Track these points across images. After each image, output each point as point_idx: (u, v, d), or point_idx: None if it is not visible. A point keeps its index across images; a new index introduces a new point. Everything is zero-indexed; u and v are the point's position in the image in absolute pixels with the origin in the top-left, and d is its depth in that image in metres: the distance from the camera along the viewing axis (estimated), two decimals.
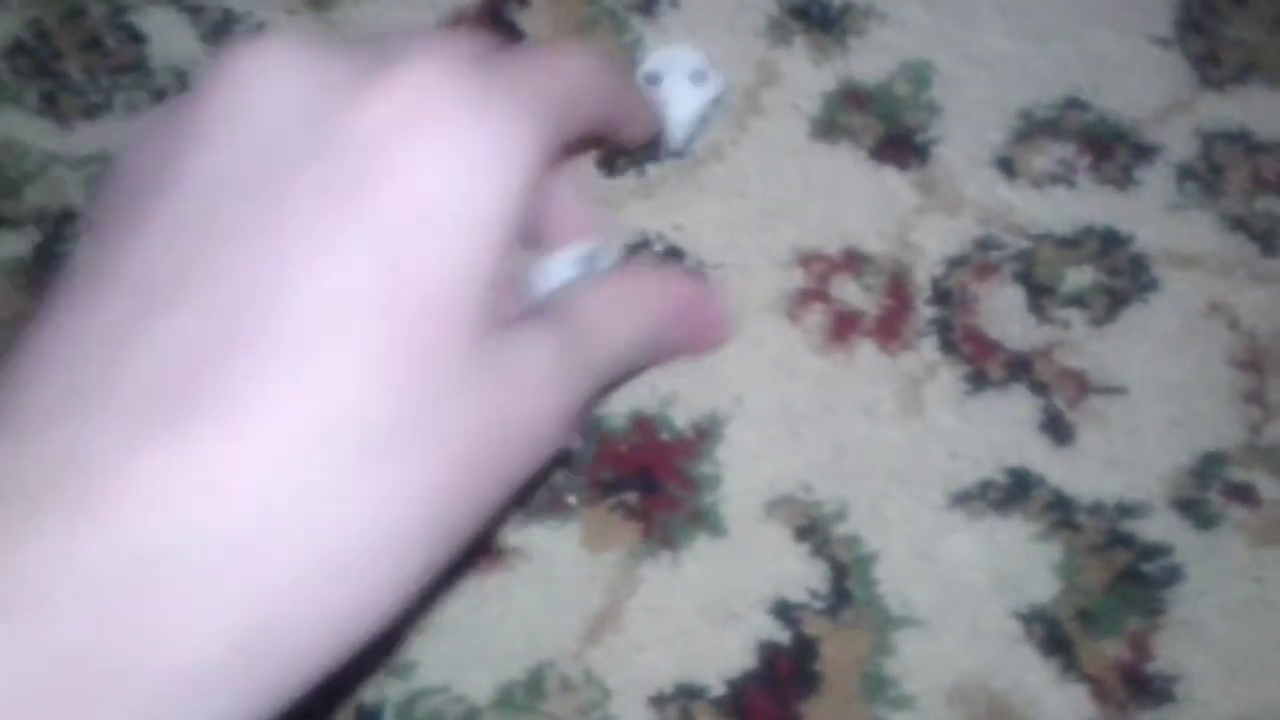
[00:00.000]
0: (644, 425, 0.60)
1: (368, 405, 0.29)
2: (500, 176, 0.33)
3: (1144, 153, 0.64)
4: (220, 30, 0.67)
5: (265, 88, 0.32)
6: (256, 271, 0.29)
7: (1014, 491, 0.58)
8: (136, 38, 0.67)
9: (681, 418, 0.60)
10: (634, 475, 0.60)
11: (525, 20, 0.68)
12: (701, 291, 0.49)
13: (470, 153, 0.32)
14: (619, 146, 0.53)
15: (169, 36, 0.67)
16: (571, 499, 0.59)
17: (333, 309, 0.29)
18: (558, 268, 0.49)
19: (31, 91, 0.66)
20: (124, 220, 0.31)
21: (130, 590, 0.28)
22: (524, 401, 0.34)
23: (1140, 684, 0.55)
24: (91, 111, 0.66)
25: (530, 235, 0.46)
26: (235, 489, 0.29)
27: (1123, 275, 0.62)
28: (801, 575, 0.57)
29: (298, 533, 0.29)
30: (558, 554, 0.58)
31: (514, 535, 0.59)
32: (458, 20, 0.68)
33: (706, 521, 0.58)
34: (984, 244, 0.63)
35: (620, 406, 0.61)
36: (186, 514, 0.28)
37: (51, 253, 0.63)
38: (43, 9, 0.68)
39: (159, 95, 0.66)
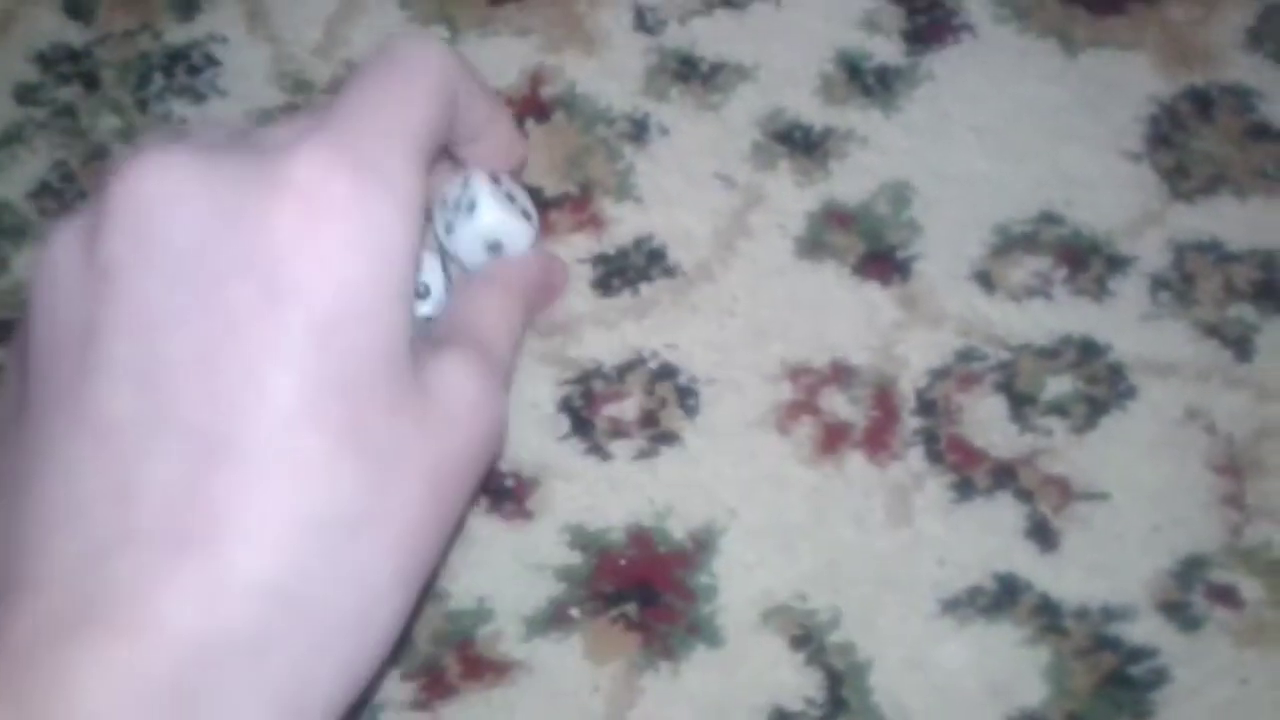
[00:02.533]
0: (642, 539, 0.62)
1: (338, 482, 0.33)
2: (399, 230, 0.37)
3: (1118, 264, 0.67)
4: None
5: (168, 213, 0.35)
6: (211, 399, 0.33)
7: (1002, 597, 0.60)
8: None
9: (678, 530, 0.62)
10: (634, 587, 0.61)
11: None
12: (548, 255, 0.55)
13: (369, 227, 0.36)
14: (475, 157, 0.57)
15: None
16: (574, 612, 0.61)
17: (287, 411, 0.33)
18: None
19: None
20: (72, 363, 0.34)
21: (182, 692, 0.31)
22: (465, 427, 0.39)
23: None
24: None
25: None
26: (249, 588, 0.32)
27: (1101, 383, 0.64)
28: (798, 684, 0.59)
29: (311, 607, 0.33)
30: (561, 667, 0.60)
31: (518, 649, 0.60)
32: None
33: (704, 632, 0.60)
34: (966, 355, 0.65)
35: (618, 521, 0.63)
36: (214, 620, 0.31)
37: None
38: (66, 150, 0.72)
39: None
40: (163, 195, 0.35)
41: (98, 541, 0.32)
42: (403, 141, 0.39)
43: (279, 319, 0.33)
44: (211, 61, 0.73)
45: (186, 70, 0.73)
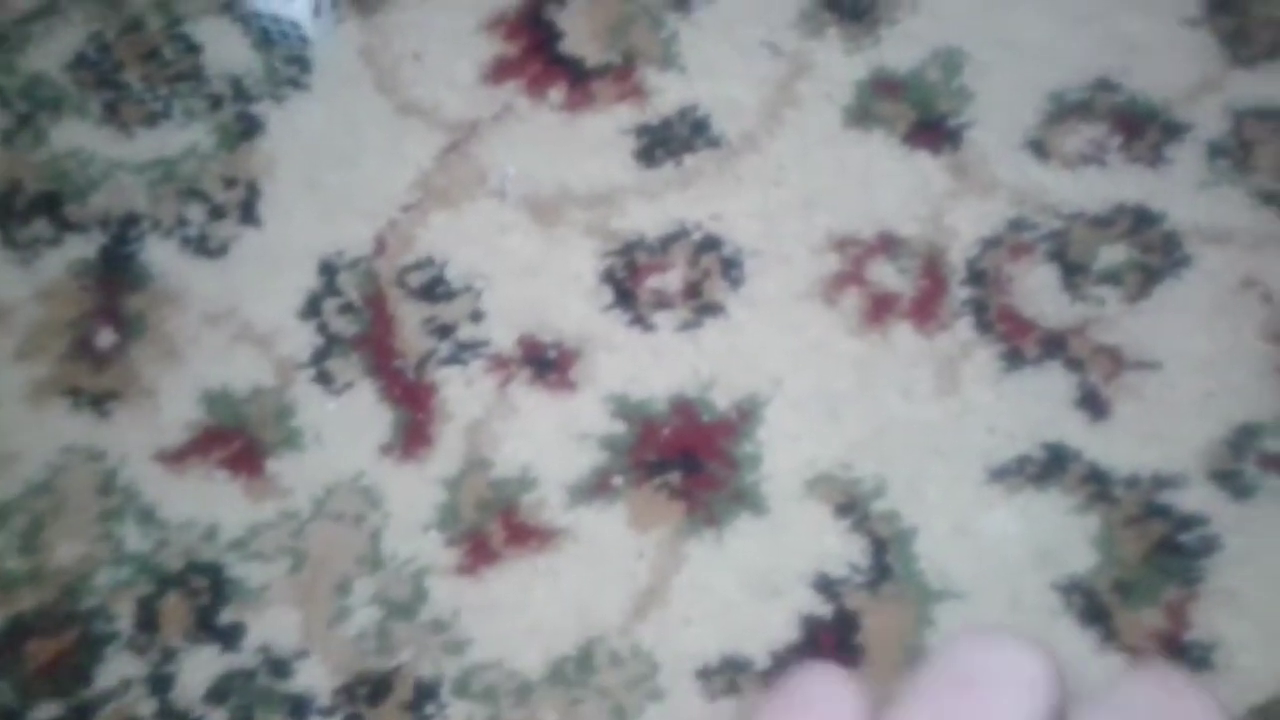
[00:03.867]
0: (685, 408, 0.62)
1: None
2: None
3: (1174, 131, 0.65)
4: (269, 38, 0.70)
5: None
6: None
7: (1051, 466, 0.59)
8: (192, 48, 0.70)
9: (722, 400, 0.62)
10: (677, 456, 0.61)
11: (563, 20, 0.70)
12: None
13: None
14: None
15: (222, 45, 0.70)
16: (617, 480, 0.61)
17: None
18: None
19: (94, 101, 0.69)
20: None
21: None
22: None
23: (1178, 652, 0.56)
24: (151, 119, 0.68)
25: None
26: None
27: (1155, 252, 0.63)
28: (842, 551, 0.59)
29: None
30: (605, 534, 0.60)
31: (562, 517, 0.60)
32: (498, 22, 0.70)
33: (748, 500, 0.60)
34: (1017, 225, 0.64)
35: (661, 391, 0.62)
36: None
37: (116, 255, 0.66)
38: (102, 22, 0.71)
39: (215, 102, 0.68)
40: None
41: None
42: None
43: None
44: None
45: None
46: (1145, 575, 0.57)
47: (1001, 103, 0.66)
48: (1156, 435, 0.59)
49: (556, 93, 0.68)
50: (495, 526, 0.60)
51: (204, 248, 0.66)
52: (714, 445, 0.61)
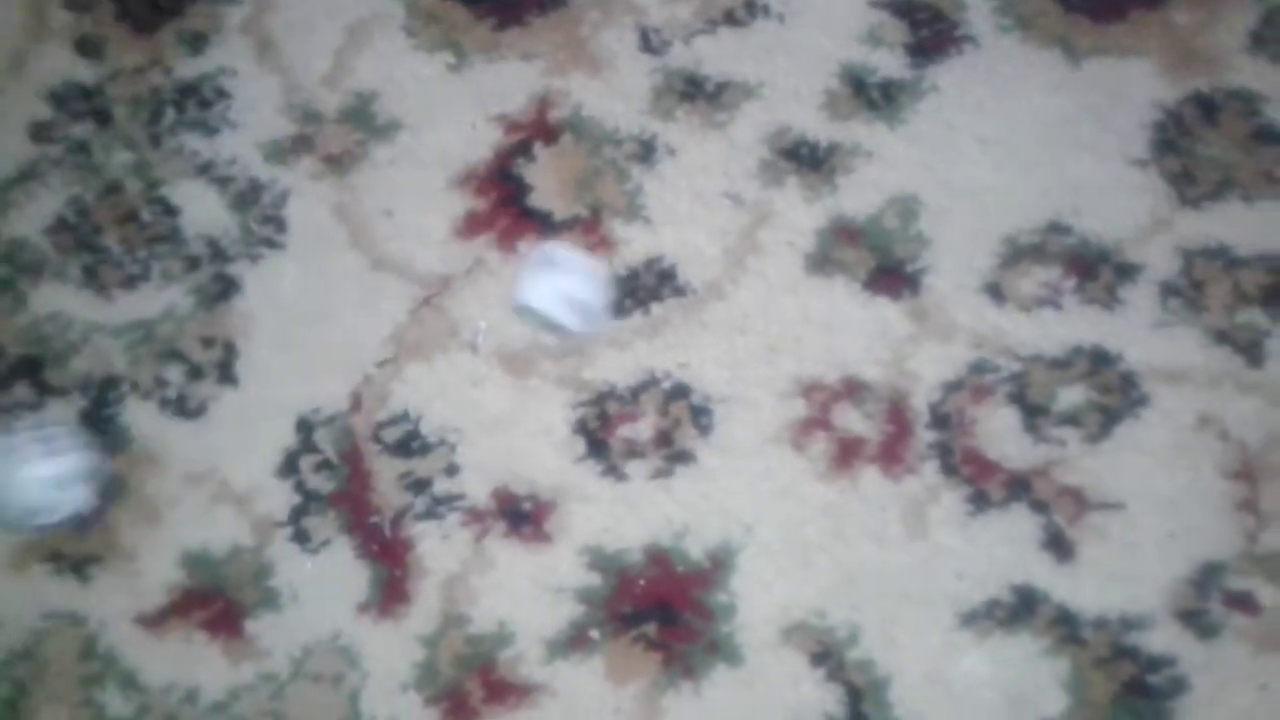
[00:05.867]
0: (660, 558, 0.63)
1: None
2: None
3: (1127, 272, 0.67)
4: (247, 199, 0.71)
5: None
6: None
7: (1020, 609, 0.60)
8: (170, 210, 0.71)
9: (695, 549, 0.63)
10: (653, 607, 0.62)
11: (531, 174, 0.72)
12: None
13: None
14: None
15: (200, 207, 0.71)
16: (595, 633, 0.62)
17: None
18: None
19: (74, 265, 0.70)
20: None
21: None
22: None
23: None
24: (130, 282, 0.70)
25: None
26: None
27: (1113, 392, 0.64)
28: (819, 700, 0.59)
29: None
30: (582, 688, 0.61)
31: (539, 671, 0.61)
32: (468, 178, 0.72)
33: (724, 651, 0.61)
34: (978, 368, 0.65)
35: (635, 541, 0.63)
36: None
37: (96, 418, 0.67)
38: (81, 185, 0.73)
39: (192, 263, 0.70)
40: None
41: None
42: None
43: None
44: (222, 95, 0.74)
45: (198, 104, 0.74)
46: (1116, 718, 0.58)
47: (957, 247, 0.68)
48: (1122, 576, 0.60)
49: (526, 245, 0.70)
50: (474, 684, 0.61)
51: (183, 408, 0.67)
52: (688, 595, 0.62)
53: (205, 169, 0.72)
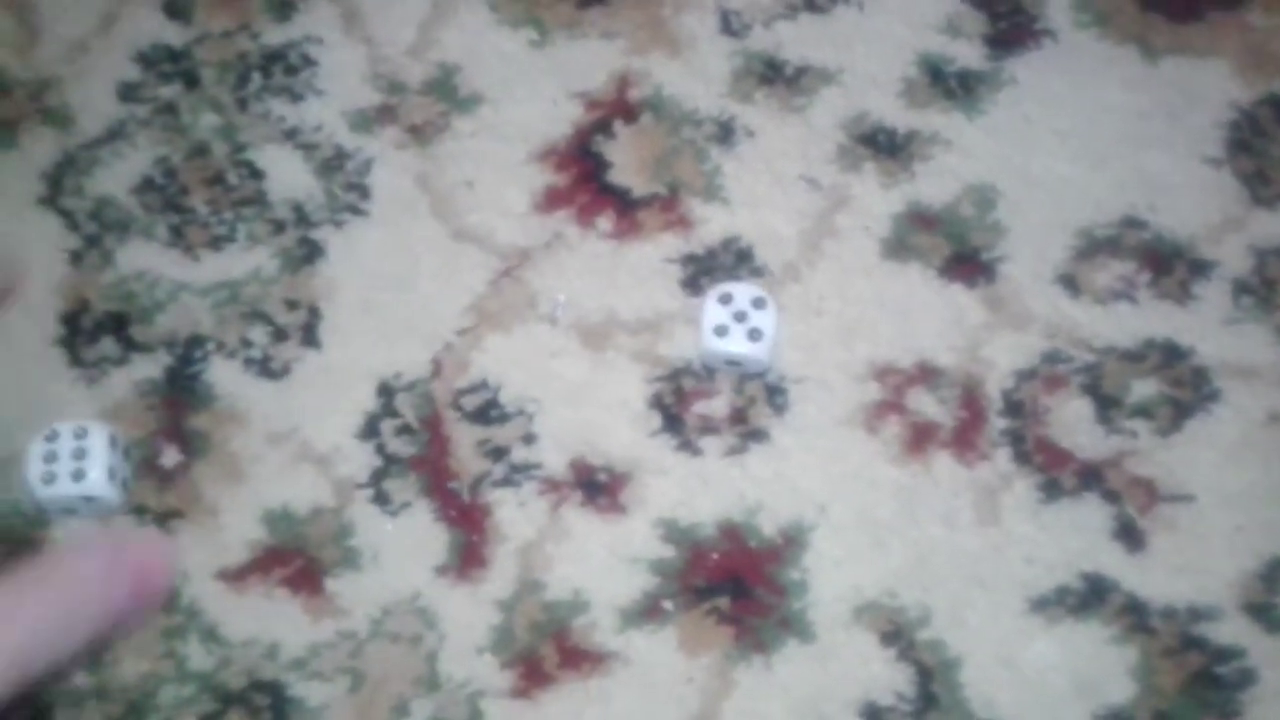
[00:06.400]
0: (733, 534, 0.64)
1: None
2: None
3: (1200, 268, 0.68)
4: (332, 165, 0.72)
5: None
6: None
7: (1090, 597, 0.61)
8: (256, 174, 0.73)
9: (768, 526, 0.64)
10: (726, 582, 0.63)
11: (611, 151, 0.73)
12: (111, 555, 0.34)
13: None
14: None
15: (285, 172, 0.72)
16: (668, 604, 0.63)
17: None
18: None
19: (160, 225, 0.72)
20: None
21: None
22: None
23: None
24: (216, 243, 0.71)
25: None
26: None
27: (1185, 387, 0.65)
28: (889, 679, 0.60)
29: None
30: (655, 658, 0.62)
31: (613, 640, 0.62)
32: (548, 153, 0.73)
33: (796, 627, 0.62)
34: (1051, 357, 0.66)
35: (709, 516, 0.64)
36: None
37: (181, 375, 0.68)
38: (169, 147, 0.74)
39: (278, 227, 0.71)
40: None
41: None
42: None
43: None
44: (308, 62, 0.75)
45: (284, 70, 0.75)
46: (1184, 707, 0.59)
47: (1033, 238, 0.69)
48: (1191, 567, 0.61)
49: (605, 221, 0.71)
50: (548, 649, 0.62)
51: (267, 369, 0.68)
52: (761, 571, 0.63)
53: (291, 134, 0.73)
